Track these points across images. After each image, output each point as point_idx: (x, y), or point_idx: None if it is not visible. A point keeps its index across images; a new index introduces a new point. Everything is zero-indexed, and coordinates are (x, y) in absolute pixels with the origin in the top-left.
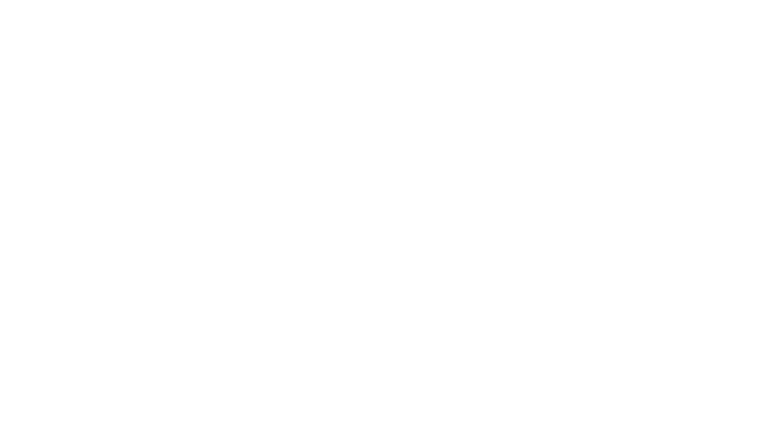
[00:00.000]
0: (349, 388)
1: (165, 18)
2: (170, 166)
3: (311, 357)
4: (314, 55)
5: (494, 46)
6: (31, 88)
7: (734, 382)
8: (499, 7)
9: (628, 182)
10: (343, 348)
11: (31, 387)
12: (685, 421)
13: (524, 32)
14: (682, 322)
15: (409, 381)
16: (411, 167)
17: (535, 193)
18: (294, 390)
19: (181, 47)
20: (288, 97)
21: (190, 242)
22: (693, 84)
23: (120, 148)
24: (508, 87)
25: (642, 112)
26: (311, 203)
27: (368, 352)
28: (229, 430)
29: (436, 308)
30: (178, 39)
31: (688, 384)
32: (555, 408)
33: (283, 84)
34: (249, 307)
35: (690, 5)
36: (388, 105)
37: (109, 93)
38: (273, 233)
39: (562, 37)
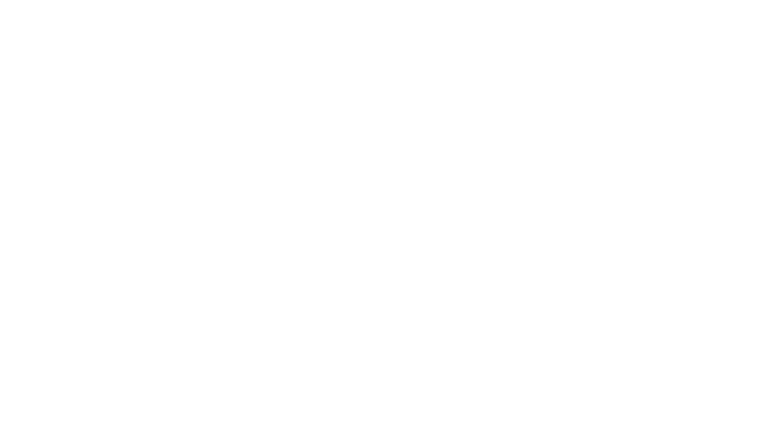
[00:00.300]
0: (348, 387)
1: (165, 18)
2: (170, 166)
3: (311, 357)
4: (314, 55)
5: (494, 46)
6: (31, 88)
7: (734, 382)
8: (499, 7)
9: (628, 182)
10: (342, 348)
11: (31, 387)
12: (685, 420)
13: (524, 32)
14: (682, 321)
15: (408, 381)
16: (411, 167)
17: (535, 193)
18: (294, 390)
19: (181, 47)
20: (288, 97)
21: (190, 242)
22: (693, 84)
23: (120, 148)
24: (508, 87)
25: (642, 112)
26: (311, 203)
27: (368, 351)
28: (229, 430)
29: (436, 308)
30: (179, 39)
31: (688, 384)
32: (554, 408)
33: (283, 84)
34: (249, 306)
35: (690, 5)
36: (389, 105)
37: (109, 93)
38: (273, 233)
39: (562, 37)
